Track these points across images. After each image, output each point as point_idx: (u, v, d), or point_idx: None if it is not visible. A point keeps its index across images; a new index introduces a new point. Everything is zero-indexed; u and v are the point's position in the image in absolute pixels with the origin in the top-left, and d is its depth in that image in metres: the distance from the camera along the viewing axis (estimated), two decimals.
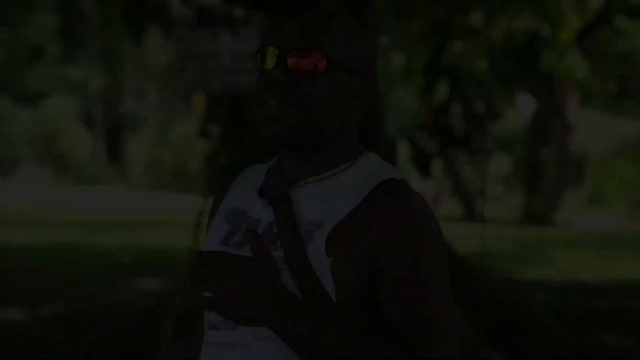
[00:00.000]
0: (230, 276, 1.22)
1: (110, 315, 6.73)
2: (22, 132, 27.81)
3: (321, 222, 1.31)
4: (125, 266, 10.27)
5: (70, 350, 5.57)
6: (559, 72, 9.41)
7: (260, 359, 1.30)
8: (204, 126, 5.60)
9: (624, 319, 7.08)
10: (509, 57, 6.21)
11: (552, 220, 14.87)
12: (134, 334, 5.66)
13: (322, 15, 1.36)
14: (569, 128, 5.37)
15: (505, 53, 6.38)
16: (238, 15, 4.44)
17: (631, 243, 13.85)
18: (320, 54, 1.31)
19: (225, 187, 1.48)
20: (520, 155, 17.03)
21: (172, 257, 10.97)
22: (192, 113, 24.13)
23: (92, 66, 30.45)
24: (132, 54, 19.09)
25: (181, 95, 6.43)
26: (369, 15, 5.49)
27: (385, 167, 1.37)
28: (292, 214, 1.33)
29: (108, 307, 7.26)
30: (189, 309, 5.29)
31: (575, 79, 9.42)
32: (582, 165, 17.78)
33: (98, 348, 5.53)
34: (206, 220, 1.49)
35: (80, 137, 27.32)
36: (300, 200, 1.35)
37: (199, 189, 26.26)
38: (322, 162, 1.36)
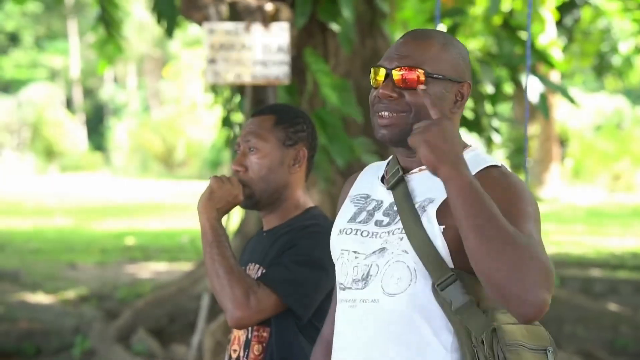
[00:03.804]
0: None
1: (137, 296, 6.96)
2: (1, 120, 27.66)
3: (432, 198, 1.59)
4: (130, 250, 10.48)
5: (108, 328, 5.81)
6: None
7: (388, 310, 1.57)
8: (226, 115, 5.82)
9: (620, 288, 7.45)
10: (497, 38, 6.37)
11: (539, 196, 15.25)
12: (165, 315, 5.91)
13: (419, 36, 1.67)
14: (577, 105, 5.59)
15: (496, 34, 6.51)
16: (268, 10, 4.66)
17: (615, 216, 14.27)
18: (418, 70, 1.62)
19: (353, 179, 1.81)
20: (505, 132, 17.38)
21: (174, 240, 11.21)
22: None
23: (70, 52, 30.34)
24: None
25: (208, 85, 6.61)
26: (380, 1, 5.72)
27: (488, 157, 1.65)
28: (408, 194, 1.62)
29: (131, 288, 7.48)
30: None
31: (551, 58, 9.69)
32: (565, 141, 18.18)
33: (133, 326, 5.77)
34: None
35: (63, 124, 27.25)
36: (414, 184, 1.64)
37: (184, 173, 26.22)
38: None
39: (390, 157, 1.74)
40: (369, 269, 1.60)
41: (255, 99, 5.46)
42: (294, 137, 2.07)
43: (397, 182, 1.65)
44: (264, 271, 2.02)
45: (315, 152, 2.12)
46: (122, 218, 14.02)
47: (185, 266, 8.67)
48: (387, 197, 1.66)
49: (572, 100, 5.60)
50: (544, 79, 5.95)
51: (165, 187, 20.87)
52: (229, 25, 4.68)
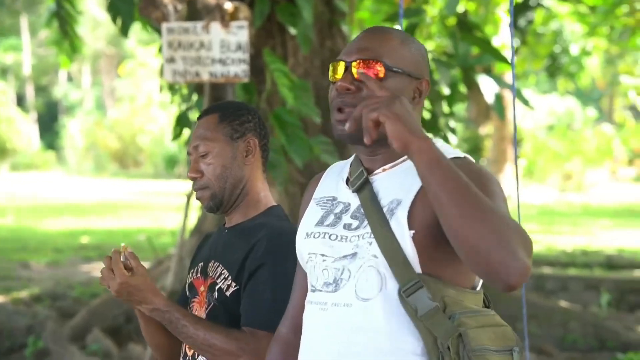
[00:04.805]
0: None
1: (92, 295, 6.90)
2: None
3: (400, 200, 1.56)
4: (84, 249, 10.37)
5: (62, 328, 5.75)
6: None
7: (361, 315, 1.53)
8: (183, 112, 5.81)
9: (570, 285, 7.61)
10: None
11: None
12: (121, 314, 5.87)
13: (378, 31, 1.65)
14: (530, 107, 5.69)
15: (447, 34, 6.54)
16: (227, 8, 4.66)
17: (566, 215, 14.54)
18: (379, 63, 1.58)
19: (316, 180, 1.76)
20: (461, 133, 17.59)
21: (131, 238, 11.12)
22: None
23: (22, 49, 29.82)
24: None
25: (165, 83, 6.60)
26: (338, 2, 5.77)
27: (449, 149, 1.61)
28: (374, 197, 1.58)
29: (85, 287, 7.41)
30: (175, 289, 5.54)
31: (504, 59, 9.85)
32: (519, 142, 18.44)
33: (89, 326, 5.72)
34: (301, 207, 1.76)
35: (14, 122, 26.79)
36: (379, 185, 1.61)
37: (140, 172, 25.94)
38: (393, 152, 1.60)
39: (353, 156, 1.70)
40: (341, 273, 1.57)
41: (214, 98, 5.46)
42: (241, 129, 2.07)
43: (362, 185, 1.62)
44: (232, 284, 1.99)
45: (267, 140, 2.11)
46: (77, 217, 13.85)
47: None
48: (353, 200, 1.62)
49: (525, 102, 5.70)
50: (499, 80, 6.04)
51: (121, 186, 20.66)
52: (188, 24, 4.68)
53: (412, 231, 1.52)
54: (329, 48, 5.72)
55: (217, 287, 2.01)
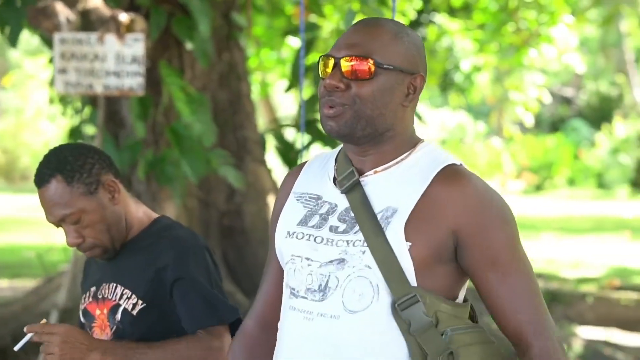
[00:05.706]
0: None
1: None
2: None
3: (395, 209, 1.50)
4: None
5: None
6: None
7: (350, 329, 1.49)
8: (77, 126, 5.65)
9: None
10: None
11: None
12: (8, 334, 5.64)
13: (370, 24, 1.58)
14: (424, 122, 5.82)
15: None
16: (122, 20, 4.57)
17: None
18: (368, 60, 1.52)
19: (294, 173, 1.66)
20: None
21: (17, 255, 10.70)
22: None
23: None
24: None
25: (57, 95, 6.37)
26: (236, 15, 5.75)
27: (443, 154, 1.56)
28: (367, 202, 1.51)
29: None
30: (68, 307, 5.36)
31: None
32: None
33: None
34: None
35: None
36: (370, 189, 1.54)
37: (27, 187, 25.09)
38: (384, 153, 1.56)
39: (338, 151, 1.63)
40: (327, 280, 1.51)
41: (108, 111, 5.33)
42: (93, 179, 1.96)
43: (351, 186, 1.55)
44: (138, 302, 1.97)
45: (112, 162, 2.03)
46: None
47: (30, 283, 8.29)
48: (341, 201, 1.55)
49: (419, 117, 5.83)
50: None
51: (7, 201, 19.90)
52: (82, 35, 4.56)
53: (409, 243, 1.48)
54: (226, 61, 5.68)
55: (120, 309, 1.96)
